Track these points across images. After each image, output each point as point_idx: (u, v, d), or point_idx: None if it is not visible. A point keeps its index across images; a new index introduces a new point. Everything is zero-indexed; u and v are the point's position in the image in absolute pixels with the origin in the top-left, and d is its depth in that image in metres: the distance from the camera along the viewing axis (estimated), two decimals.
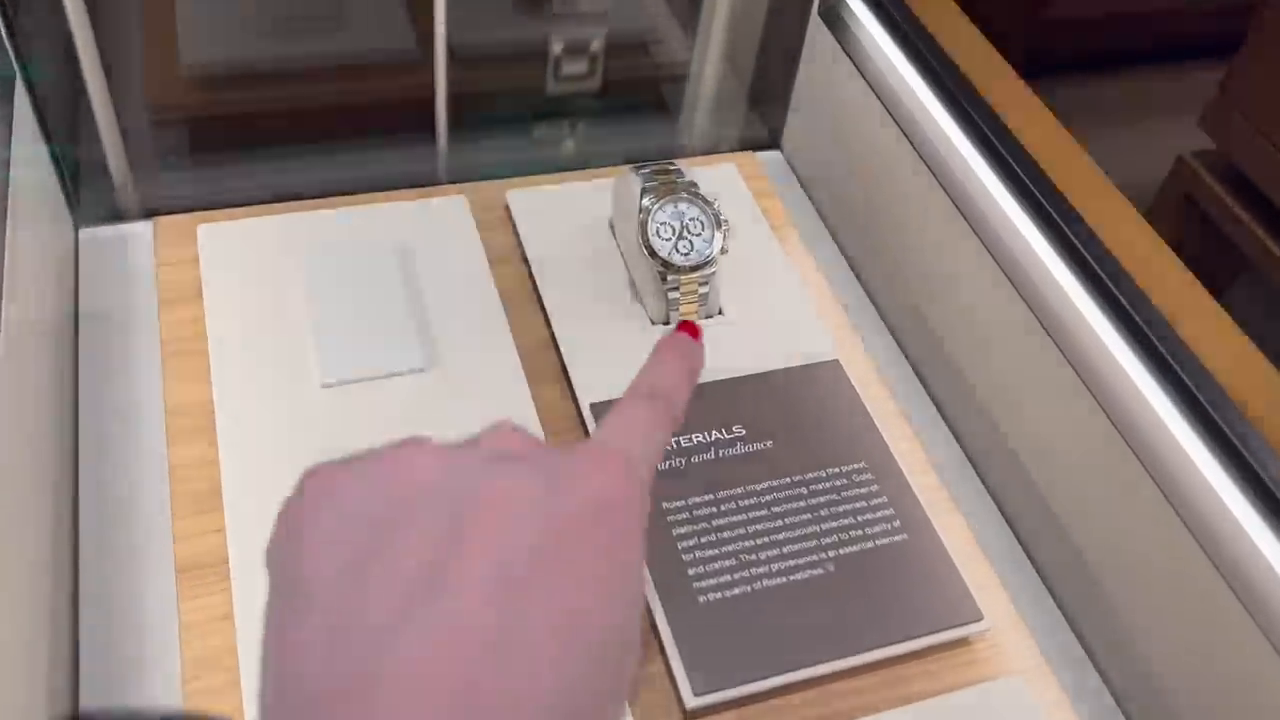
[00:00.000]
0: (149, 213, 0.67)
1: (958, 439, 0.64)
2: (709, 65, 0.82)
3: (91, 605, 0.51)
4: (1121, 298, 0.52)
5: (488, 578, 0.23)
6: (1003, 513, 0.60)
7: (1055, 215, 0.56)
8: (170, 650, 0.48)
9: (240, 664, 0.46)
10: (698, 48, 0.82)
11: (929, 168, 0.63)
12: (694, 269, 0.60)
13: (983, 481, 0.62)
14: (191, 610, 0.48)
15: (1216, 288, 0.53)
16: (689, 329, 0.35)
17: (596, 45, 0.80)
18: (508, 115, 0.82)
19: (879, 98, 0.68)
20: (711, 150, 0.81)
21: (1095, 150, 0.60)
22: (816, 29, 0.74)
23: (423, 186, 0.69)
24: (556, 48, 0.79)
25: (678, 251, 0.60)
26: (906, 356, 0.68)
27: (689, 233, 0.60)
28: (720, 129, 0.85)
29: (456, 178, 0.72)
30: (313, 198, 0.67)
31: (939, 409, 0.65)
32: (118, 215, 0.68)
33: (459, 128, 0.79)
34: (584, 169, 0.73)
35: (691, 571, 0.51)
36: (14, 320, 0.49)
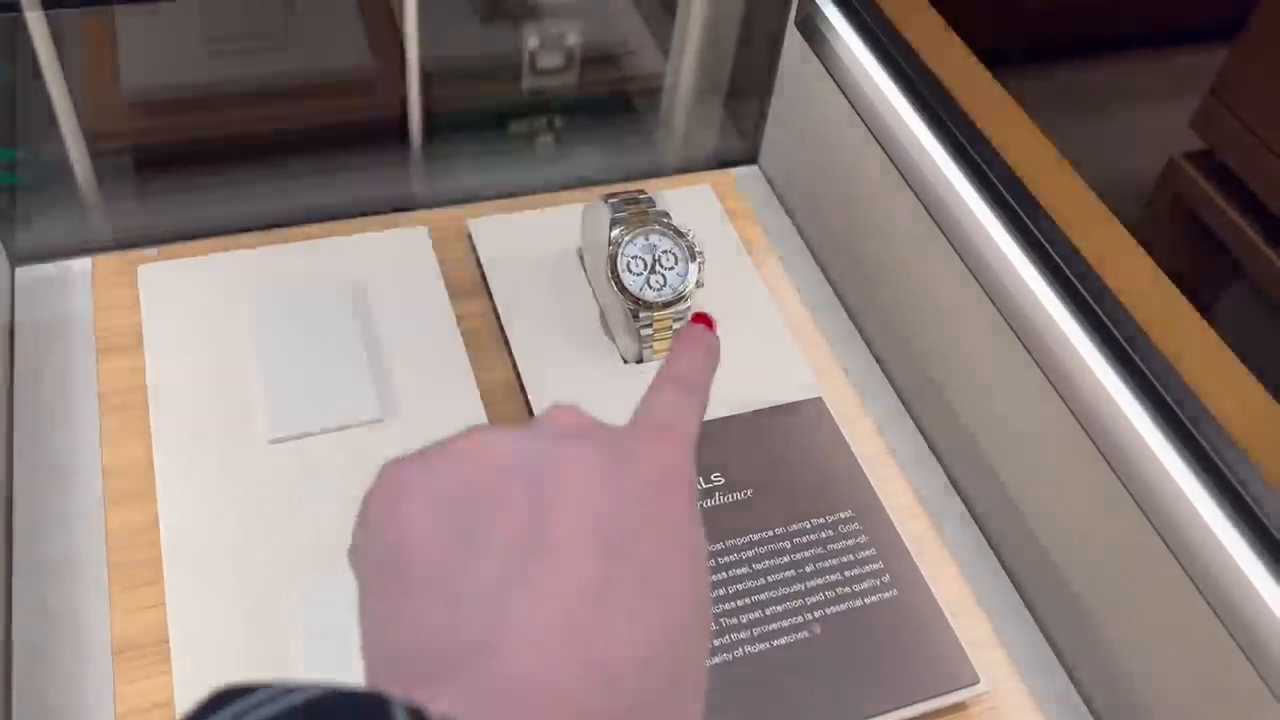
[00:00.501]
0: (94, 249, 0.63)
1: (948, 476, 0.60)
2: (685, 79, 0.79)
3: (24, 690, 0.47)
4: (1112, 326, 0.49)
5: (582, 537, 0.25)
6: (997, 556, 0.57)
7: (1041, 238, 0.53)
8: None
9: None
10: (671, 62, 0.79)
11: (910, 186, 0.60)
12: (667, 305, 0.56)
13: (976, 522, 0.59)
14: (128, 696, 0.44)
15: (1210, 292, 0.50)
16: (704, 320, 0.37)
17: (572, 40, 0.76)
18: (477, 132, 0.78)
19: (857, 110, 0.64)
20: (688, 166, 0.78)
21: (1086, 145, 0.57)
22: (793, 40, 0.71)
23: (384, 214, 0.65)
24: (532, 42, 0.76)
25: (650, 287, 0.56)
26: (894, 387, 0.64)
27: (661, 266, 0.56)
28: (697, 144, 0.82)
29: (424, 200, 0.69)
30: (269, 227, 0.63)
31: (929, 445, 0.62)
32: (60, 252, 0.64)
33: (421, 146, 0.75)
34: (557, 190, 0.69)
35: None
36: None
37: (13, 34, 0.62)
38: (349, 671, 0.43)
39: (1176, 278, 0.52)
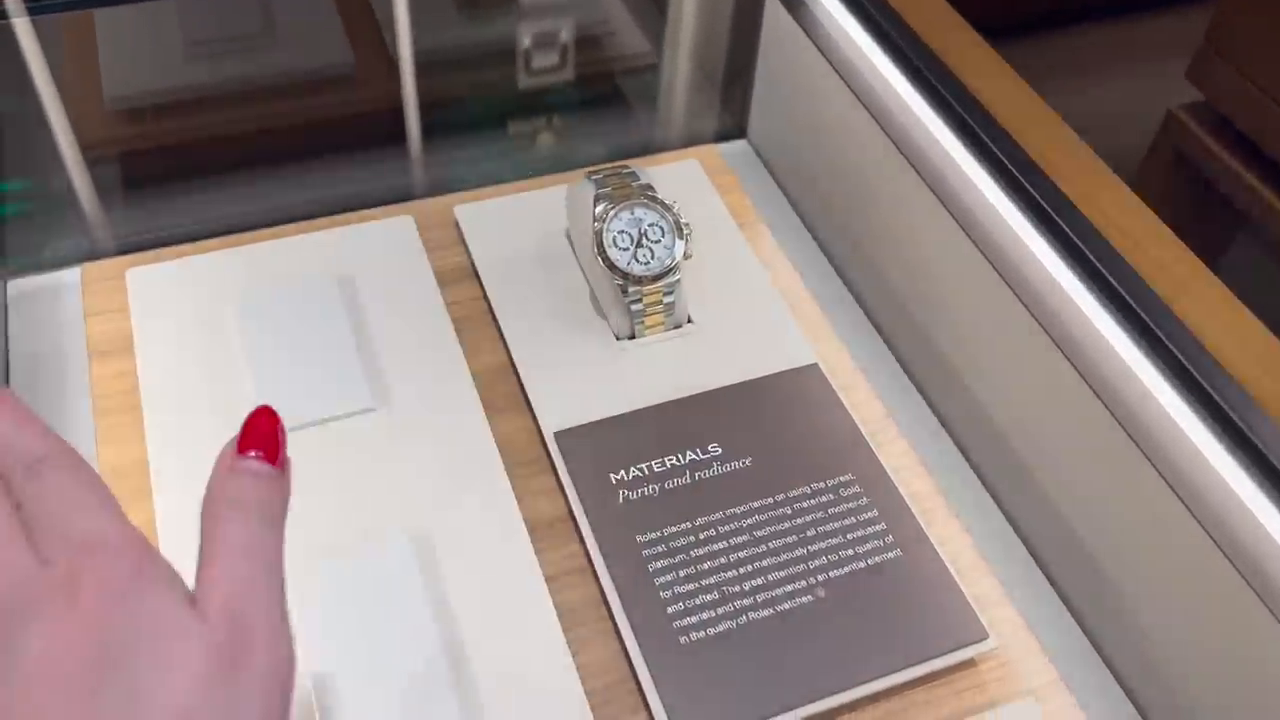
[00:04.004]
0: (85, 257, 0.63)
1: (951, 437, 0.60)
2: (676, 57, 0.78)
3: None
4: (1116, 284, 0.48)
5: None
6: (1005, 514, 0.57)
7: (1037, 195, 0.52)
8: None
9: None
10: (667, 40, 0.78)
11: (901, 152, 0.59)
12: (656, 279, 0.56)
13: (982, 482, 0.58)
14: None
15: (1216, 243, 0.49)
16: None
17: (556, 28, 0.76)
18: (460, 123, 0.78)
19: (842, 78, 0.63)
20: (678, 143, 0.77)
21: (1086, 107, 0.56)
22: (774, 9, 0.70)
23: (372, 207, 0.65)
24: (516, 30, 0.75)
25: (637, 261, 0.56)
26: (893, 352, 0.64)
27: (648, 240, 0.56)
28: (686, 121, 0.81)
29: (416, 192, 0.68)
30: (260, 226, 0.63)
31: (931, 407, 0.61)
32: (50, 263, 0.64)
33: (411, 139, 0.75)
34: (542, 174, 0.69)
35: (671, 610, 0.47)
36: None
37: None
38: (344, 665, 0.43)
39: (1181, 230, 0.51)
